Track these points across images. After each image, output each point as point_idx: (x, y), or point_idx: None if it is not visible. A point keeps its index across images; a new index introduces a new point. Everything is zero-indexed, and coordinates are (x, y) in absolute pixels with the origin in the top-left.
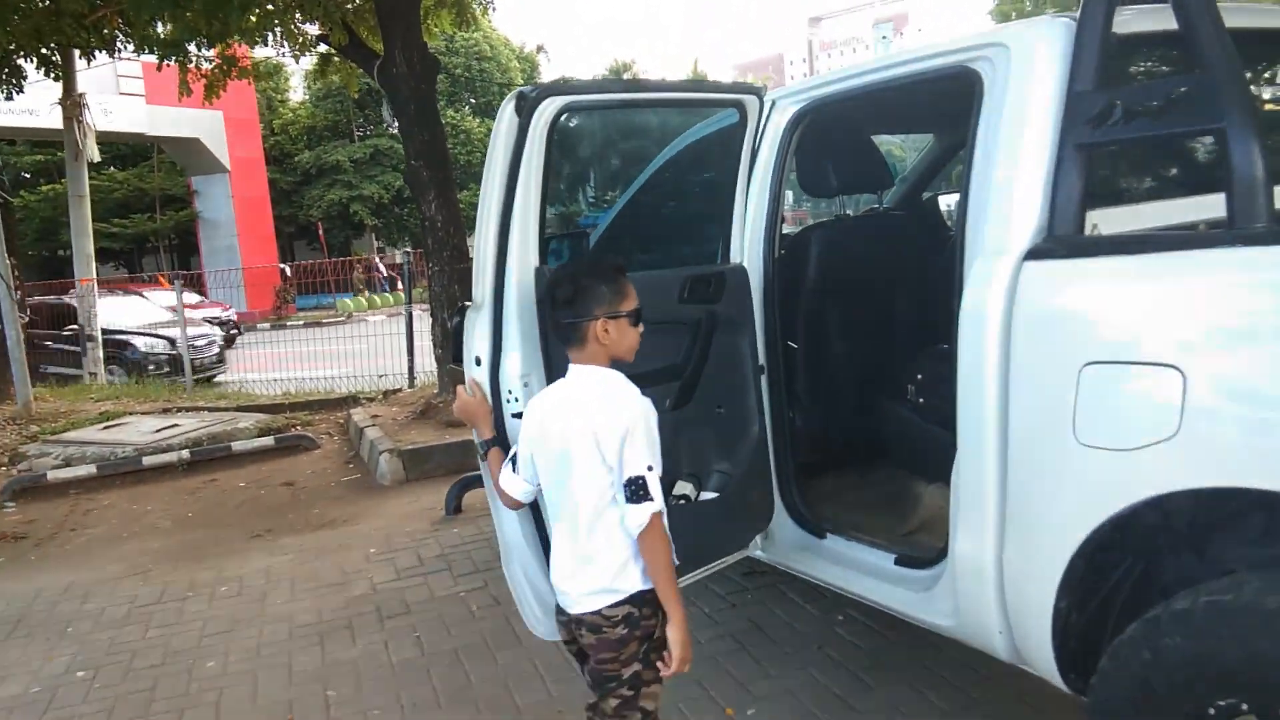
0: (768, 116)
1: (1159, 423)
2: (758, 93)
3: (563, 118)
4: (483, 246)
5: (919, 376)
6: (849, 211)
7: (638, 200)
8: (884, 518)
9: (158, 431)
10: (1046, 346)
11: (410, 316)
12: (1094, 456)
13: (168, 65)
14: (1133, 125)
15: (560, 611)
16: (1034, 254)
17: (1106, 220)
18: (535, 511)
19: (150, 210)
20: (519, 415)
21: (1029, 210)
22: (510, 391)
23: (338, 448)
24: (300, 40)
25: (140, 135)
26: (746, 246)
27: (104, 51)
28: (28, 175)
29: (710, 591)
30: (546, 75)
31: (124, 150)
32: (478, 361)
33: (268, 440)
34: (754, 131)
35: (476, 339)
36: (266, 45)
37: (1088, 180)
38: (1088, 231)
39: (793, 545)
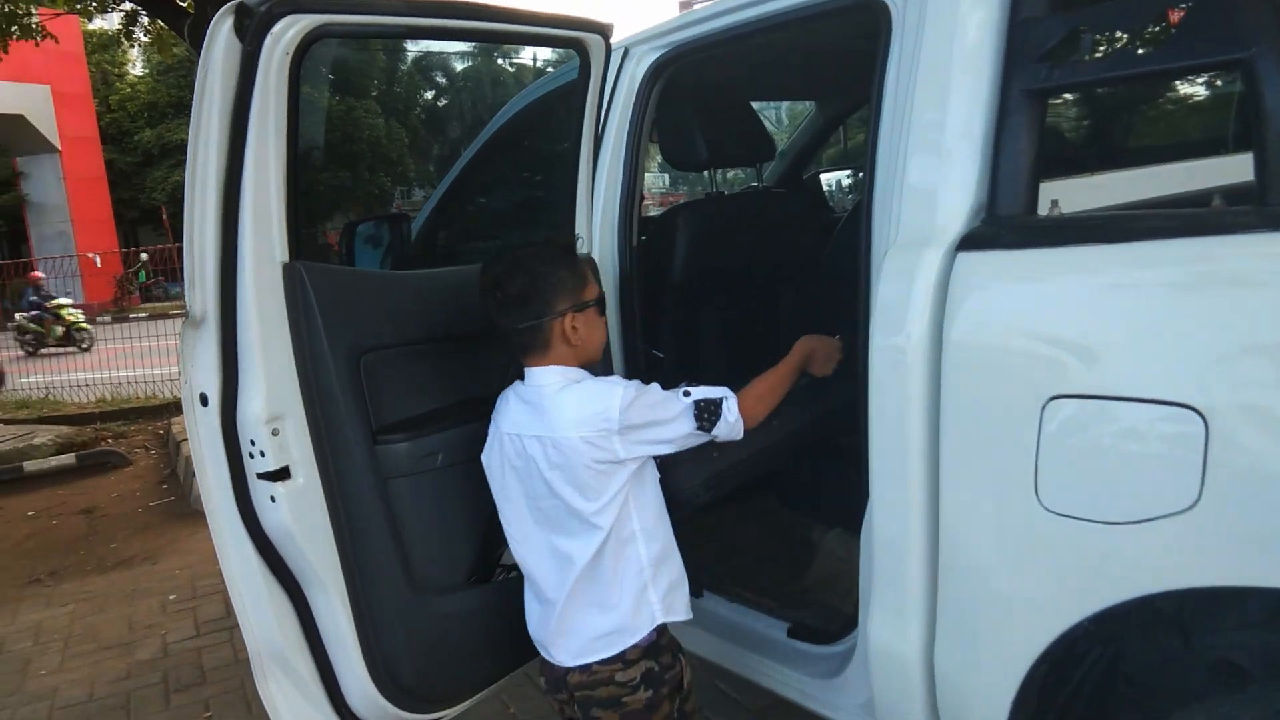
0: (619, 68)
1: (1167, 488)
2: (603, 31)
3: (315, 45)
4: (197, 236)
5: (817, 392)
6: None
7: (470, 174)
8: (771, 568)
9: None
10: (991, 370)
11: None
12: (1068, 530)
13: None
14: (1108, 61)
15: (551, 669)
16: (970, 242)
17: (1070, 195)
18: (298, 595)
19: None
20: (268, 476)
21: (962, 184)
22: (253, 442)
23: (153, 463)
24: None
25: None
26: (597, 232)
27: None
28: None
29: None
30: None
31: None
32: (203, 401)
33: (68, 458)
34: (599, 84)
35: (198, 370)
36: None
37: (1042, 140)
38: (1045, 211)
39: None
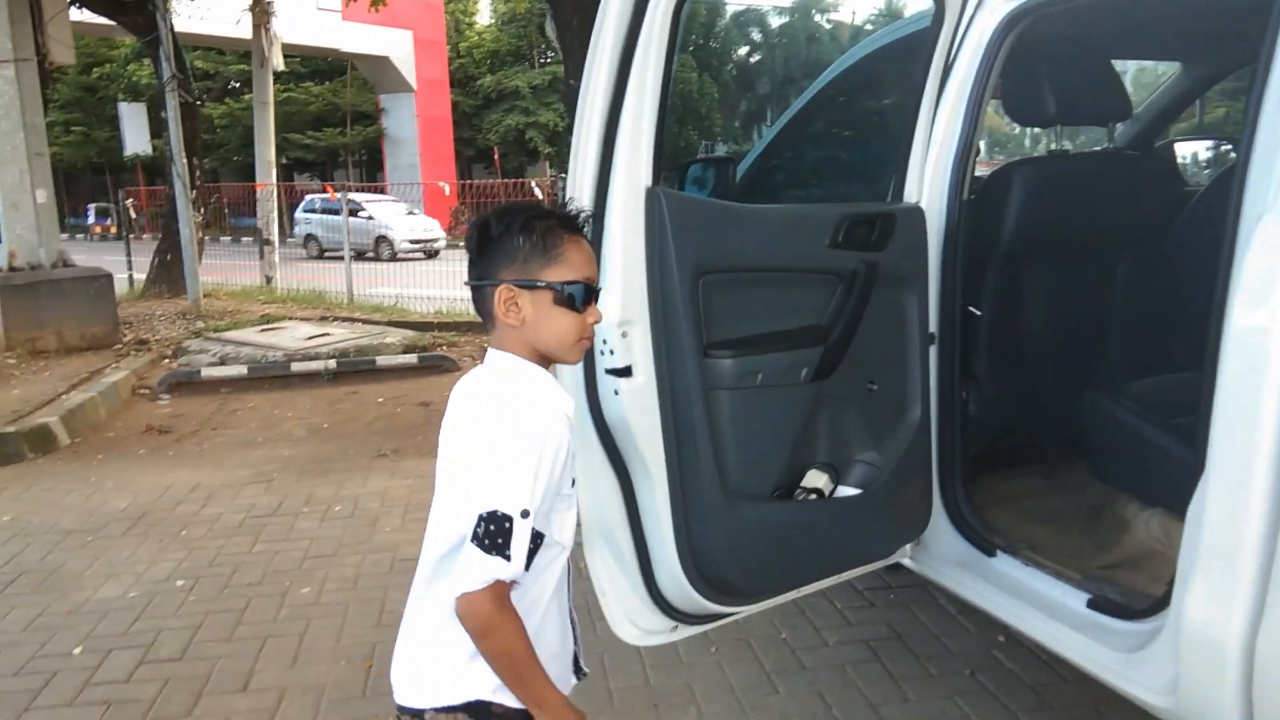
0: (971, 19)
1: None
2: None
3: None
4: (580, 158)
5: (1148, 367)
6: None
7: (802, 120)
8: (1074, 540)
9: (310, 339)
10: None
11: None
12: None
13: None
14: None
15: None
16: None
17: None
18: (626, 480)
19: (342, 125)
20: (614, 372)
21: None
22: (605, 342)
23: None
24: None
25: (334, 50)
26: (927, 184)
27: None
28: (236, 84)
29: (846, 584)
30: None
31: (321, 66)
32: None
33: (411, 358)
34: (950, 34)
35: None
36: None
37: None
38: None
39: (951, 560)
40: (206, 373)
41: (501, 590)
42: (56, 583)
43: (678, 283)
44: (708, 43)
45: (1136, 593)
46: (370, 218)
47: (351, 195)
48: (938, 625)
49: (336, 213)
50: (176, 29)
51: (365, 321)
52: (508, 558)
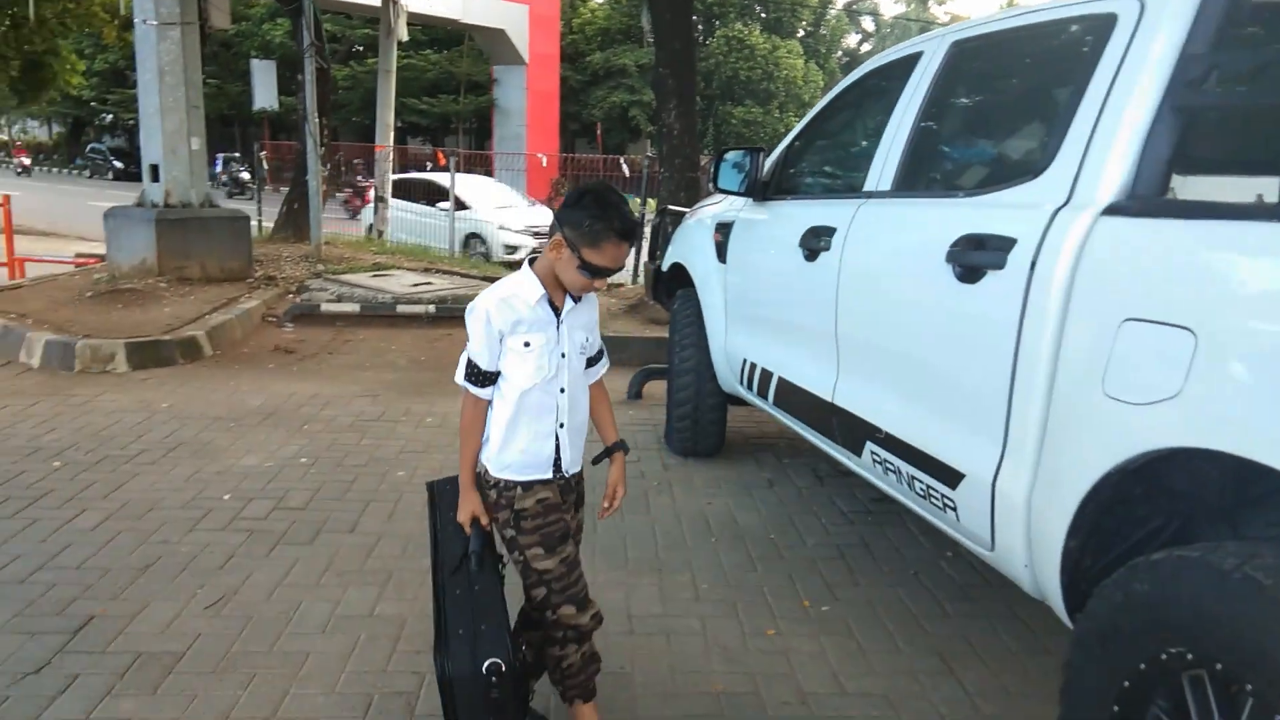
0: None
1: (1167, 382)
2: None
3: None
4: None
5: None
6: None
7: (815, 120)
8: None
9: (414, 286)
10: (1100, 298)
11: (642, 218)
12: (1112, 407)
13: None
14: (1221, 92)
15: None
16: (1112, 210)
17: (1190, 188)
18: None
19: (455, 93)
20: None
21: (1119, 167)
22: None
23: None
24: None
25: (454, 21)
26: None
27: None
28: (360, 48)
29: (834, 507)
30: None
31: (440, 35)
32: None
33: None
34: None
35: None
36: None
37: (1178, 144)
38: (1168, 195)
39: None
40: (325, 307)
41: (466, 397)
42: (207, 452)
43: None
44: (817, 30)
45: None
46: None
47: None
48: (900, 540)
49: None
50: None
51: (464, 275)
52: (459, 373)
